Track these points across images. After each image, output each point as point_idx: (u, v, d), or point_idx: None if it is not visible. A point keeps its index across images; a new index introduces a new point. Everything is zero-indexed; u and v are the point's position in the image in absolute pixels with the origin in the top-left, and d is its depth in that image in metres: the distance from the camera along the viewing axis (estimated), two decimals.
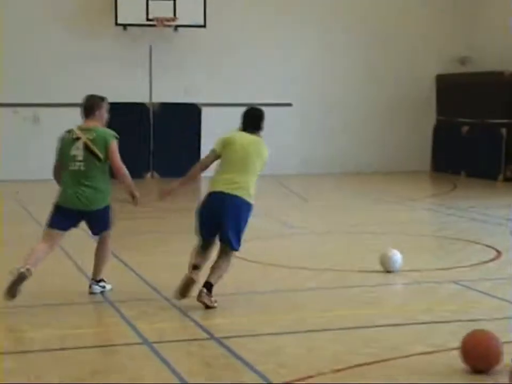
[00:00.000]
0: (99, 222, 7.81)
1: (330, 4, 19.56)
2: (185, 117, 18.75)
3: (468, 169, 19.00)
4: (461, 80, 19.47)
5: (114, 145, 7.72)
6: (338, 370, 5.75)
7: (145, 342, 6.44)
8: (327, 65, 19.66)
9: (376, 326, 6.89)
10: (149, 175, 18.65)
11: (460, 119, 19.35)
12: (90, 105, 7.83)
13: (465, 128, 19.24)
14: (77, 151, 7.71)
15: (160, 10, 17.95)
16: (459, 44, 20.22)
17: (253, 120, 7.69)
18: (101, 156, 7.68)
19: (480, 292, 8.10)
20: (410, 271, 9.03)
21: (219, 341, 6.43)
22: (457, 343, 6.01)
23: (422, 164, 20.23)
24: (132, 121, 18.09)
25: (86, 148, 7.68)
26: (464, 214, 13.29)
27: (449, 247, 10.77)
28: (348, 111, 19.86)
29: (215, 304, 7.35)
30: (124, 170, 7.72)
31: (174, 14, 18.02)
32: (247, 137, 7.61)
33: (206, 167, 7.72)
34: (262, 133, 7.73)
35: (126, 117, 17.22)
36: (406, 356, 6.07)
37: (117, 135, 7.80)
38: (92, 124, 7.79)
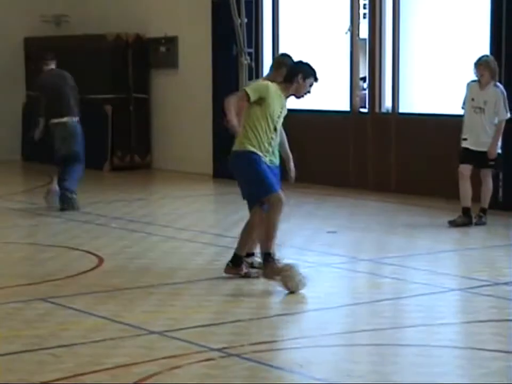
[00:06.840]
0: None
1: None
2: None
3: None
4: (55, 44, 19.31)
5: None
6: None
7: None
8: None
9: None
10: None
11: None
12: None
13: None
14: None
15: None
16: (55, 2, 20.31)
17: None
18: None
19: (77, 309, 8.23)
20: None
21: None
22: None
23: (12, 152, 20.06)
24: None
25: None
26: (61, 213, 13.36)
27: (39, 256, 10.89)
28: None
29: None
30: None
31: None
32: None
33: None
34: None
35: None
36: None
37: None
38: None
